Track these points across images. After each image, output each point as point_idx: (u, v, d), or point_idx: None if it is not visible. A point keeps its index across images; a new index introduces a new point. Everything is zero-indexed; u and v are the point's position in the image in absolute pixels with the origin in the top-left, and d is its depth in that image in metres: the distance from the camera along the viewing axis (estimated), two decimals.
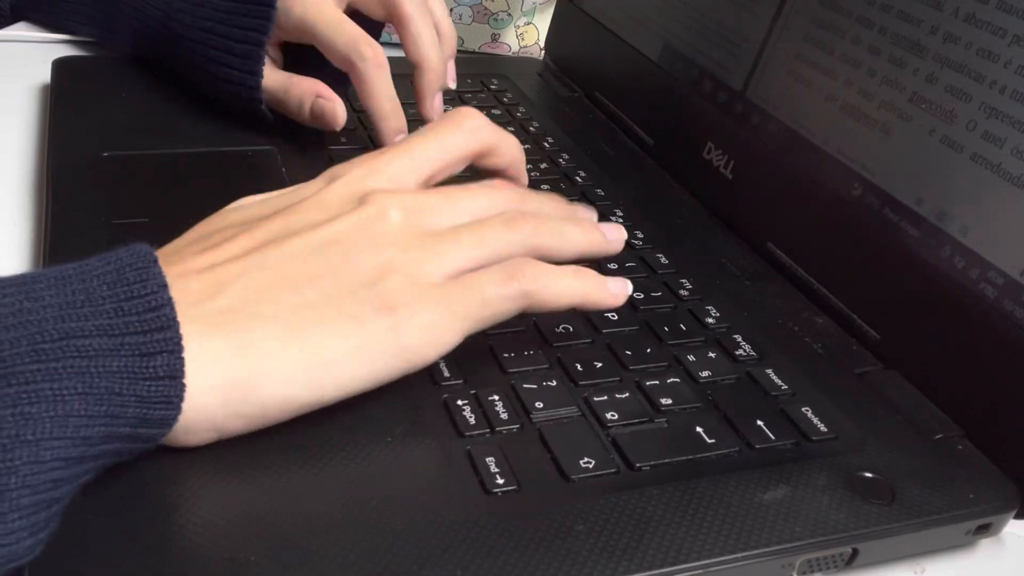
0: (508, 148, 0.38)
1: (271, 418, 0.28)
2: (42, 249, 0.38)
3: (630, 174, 0.52)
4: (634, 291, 0.36)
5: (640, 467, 0.30)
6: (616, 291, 0.34)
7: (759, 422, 0.33)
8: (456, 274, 0.31)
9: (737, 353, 0.36)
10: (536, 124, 0.56)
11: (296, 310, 0.29)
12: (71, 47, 0.60)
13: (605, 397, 0.33)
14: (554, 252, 0.34)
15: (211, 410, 0.27)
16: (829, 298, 0.40)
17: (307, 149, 0.48)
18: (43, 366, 0.23)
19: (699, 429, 0.32)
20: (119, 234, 0.38)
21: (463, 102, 0.57)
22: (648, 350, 0.36)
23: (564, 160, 0.51)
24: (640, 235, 0.44)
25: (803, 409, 0.33)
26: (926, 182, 0.37)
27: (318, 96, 0.47)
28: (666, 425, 0.32)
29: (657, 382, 0.34)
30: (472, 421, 0.31)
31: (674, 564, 0.27)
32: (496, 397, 0.32)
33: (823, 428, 0.33)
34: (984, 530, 0.31)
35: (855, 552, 0.29)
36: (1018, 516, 0.32)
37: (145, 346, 0.25)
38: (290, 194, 0.33)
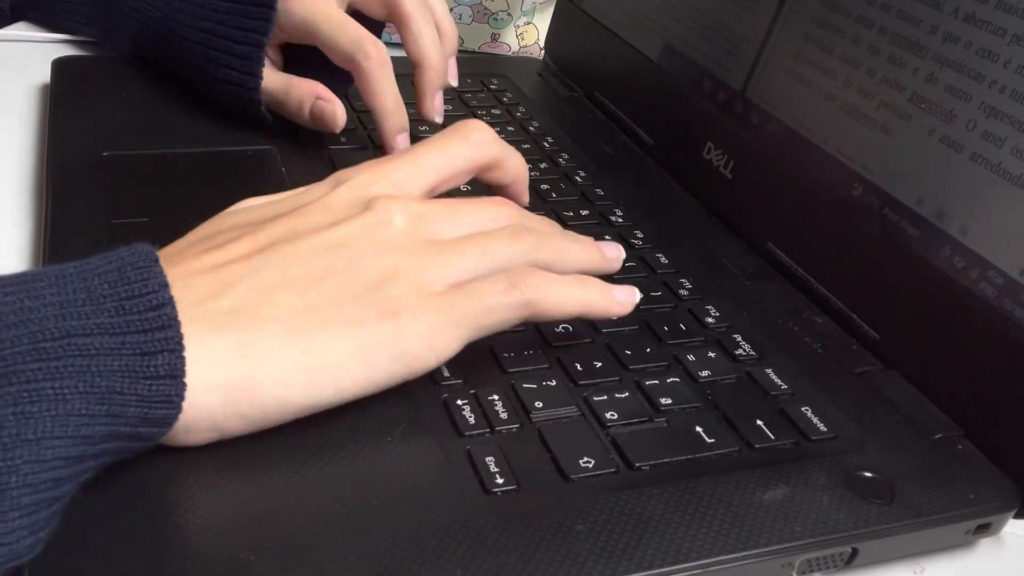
0: (513, 163, 0.38)
1: (271, 419, 0.28)
2: (42, 249, 0.38)
3: (630, 174, 0.52)
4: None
5: (640, 467, 0.30)
6: (622, 299, 0.34)
7: (759, 422, 0.33)
8: (459, 283, 0.31)
9: (737, 353, 0.36)
10: (536, 124, 0.56)
11: (299, 312, 0.29)
12: (71, 47, 0.60)
13: (605, 397, 0.33)
14: (555, 268, 0.34)
15: (212, 410, 0.27)
16: (829, 298, 0.40)
17: (307, 149, 0.48)
18: (44, 365, 0.23)
19: (699, 429, 0.32)
20: (119, 234, 0.38)
21: (463, 102, 0.57)
22: (648, 350, 0.36)
23: (564, 160, 0.51)
24: (640, 235, 0.44)
25: (803, 409, 0.33)
26: (926, 182, 0.37)
27: (318, 98, 0.47)
28: (666, 425, 0.32)
29: (657, 382, 0.34)
30: (472, 421, 0.31)
31: (674, 564, 0.27)
32: (496, 397, 0.32)
33: (823, 428, 0.33)
34: (984, 530, 0.31)
35: (855, 552, 0.29)
36: (1018, 516, 0.32)
37: (146, 345, 0.25)
38: (295, 197, 0.33)
